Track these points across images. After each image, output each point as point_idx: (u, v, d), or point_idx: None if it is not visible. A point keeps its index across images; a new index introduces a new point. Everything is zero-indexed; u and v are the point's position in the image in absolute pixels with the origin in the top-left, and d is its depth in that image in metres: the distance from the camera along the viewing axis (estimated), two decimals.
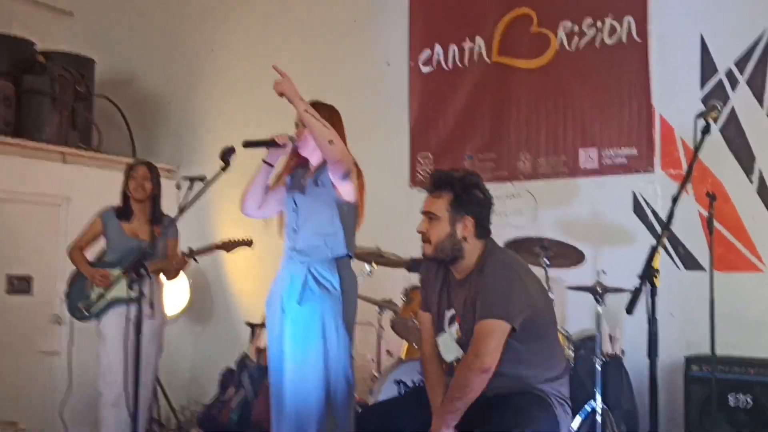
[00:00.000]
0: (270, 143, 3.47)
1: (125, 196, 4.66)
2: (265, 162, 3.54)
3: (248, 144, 3.45)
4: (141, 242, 4.54)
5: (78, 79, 6.24)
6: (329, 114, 3.57)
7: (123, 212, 4.65)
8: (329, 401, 3.34)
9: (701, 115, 2.75)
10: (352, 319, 3.50)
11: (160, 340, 4.52)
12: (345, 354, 3.43)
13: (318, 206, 3.48)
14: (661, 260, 4.57)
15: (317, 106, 3.57)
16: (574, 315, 4.86)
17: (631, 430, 4.52)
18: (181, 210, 3.49)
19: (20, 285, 5.57)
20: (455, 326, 2.89)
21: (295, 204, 3.53)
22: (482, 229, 2.88)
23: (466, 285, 2.85)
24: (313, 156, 3.57)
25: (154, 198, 4.67)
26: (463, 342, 2.85)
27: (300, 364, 3.36)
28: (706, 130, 2.70)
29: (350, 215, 3.52)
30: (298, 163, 3.65)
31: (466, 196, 2.86)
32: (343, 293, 3.43)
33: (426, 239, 2.88)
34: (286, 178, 3.65)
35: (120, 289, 4.30)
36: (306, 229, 3.48)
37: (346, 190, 3.45)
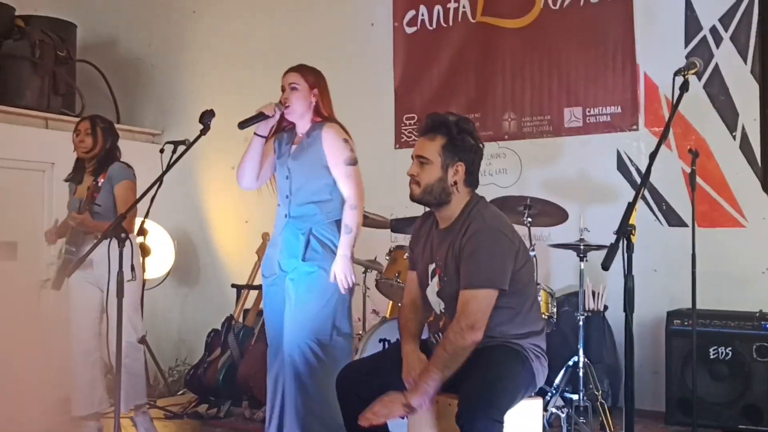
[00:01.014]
0: (260, 117, 3.46)
1: (77, 154, 4.37)
2: (256, 134, 3.51)
3: (243, 124, 3.43)
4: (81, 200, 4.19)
5: (59, 43, 6.16)
6: (315, 78, 3.56)
7: (73, 176, 4.37)
8: (329, 353, 3.41)
9: (679, 71, 2.75)
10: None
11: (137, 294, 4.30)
12: (347, 309, 3.52)
13: (311, 173, 3.48)
14: (644, 216, 4.69)
15: (303, 69, 3.57)
16: (558, 272, 4.91)
17: (614, 383, 4.60)
18: (163, 173, 3.49)
19: (5, 250, 5.56)
20: (436, 279, 2.90)
21: (289, 171, 3.52)
22: (472, 177, 2.87)
23: (448, 236, 2.85)
24: (301, 121, 3.56)
25: (106, 152, 4.29)
26: (444, 295, 2.87)
27: (302, 317, 3.40)
28: (684, 87, 2.70)
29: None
30: (283, 128, 3.63)
31: (460, 141, 2.83)
32: None
33: (415, 182, 2.86)
34: (273, 144, 3.63)
35: (62, 256, 4.20)
36: (299, 196, 3.50)
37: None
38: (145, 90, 6.83)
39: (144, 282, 4.76)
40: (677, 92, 2.71)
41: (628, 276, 2.33)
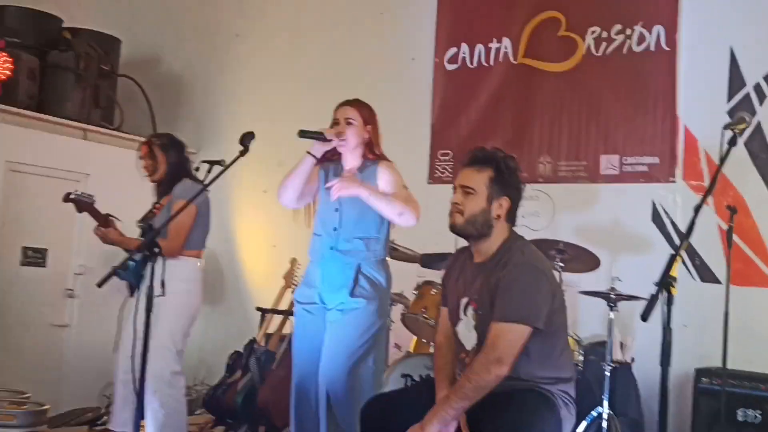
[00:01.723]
0: (321, 136, 3.48)
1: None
2: (309, 153, 3.52)
3: (304, 134, 3.46)
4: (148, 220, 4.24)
5: (103, 57, 6.26)
6: (370, 114, 3.62)
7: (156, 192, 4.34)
8: (360, 386, 3.41)
9: (729, 125, 2.73)
10: (388, 314, 3.64)
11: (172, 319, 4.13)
12: (384, 345, 3.59)
13: (363, 208, 3.48)
14: (677, 271, 4.63)
15: (360, 104, 3.61)
16: (586, 320, 4.84)
17: None
18: (198, 193, 3.51)
19: (35, 257, 5.61)
20: (471, 312, 2.87)
21: (340, 204, 3.52)
22: (513, 214, 2.87)
23: (484, 270, 2.83)
24: (350, 156, 3.59)
25: (172, 168, 4.24)
26: (479, 329, 2.84)
27: (343, 350, 3.41)
28: (732, 142, 2.67)
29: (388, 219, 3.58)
30: (328, 159, 3.64)
31: (507, 175, 2.85)
32: (387, 290, 3.58)
33: (458, 210, 2.83)
34: (318, 173, 3.65)
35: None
36: (349, 231, 3.52)
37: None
38: (184, 108, 6.91)
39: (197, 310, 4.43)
40: (725, 146, 2.66)
41: (667, 329, 2.30)
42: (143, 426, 3.77)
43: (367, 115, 3.60)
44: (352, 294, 3.44)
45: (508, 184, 2.86)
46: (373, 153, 3.59)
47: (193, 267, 4.21)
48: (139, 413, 3.12)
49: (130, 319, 4.00)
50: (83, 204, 4.21)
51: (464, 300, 2.91)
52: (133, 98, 6.73)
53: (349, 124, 3.54)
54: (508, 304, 2.68)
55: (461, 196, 2.84)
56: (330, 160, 3.64)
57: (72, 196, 4.25)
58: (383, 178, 3.51)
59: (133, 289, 4.18)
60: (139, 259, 4.04)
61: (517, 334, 2.65)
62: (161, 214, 4.06)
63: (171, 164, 4.26)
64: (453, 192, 2.92)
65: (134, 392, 3.99)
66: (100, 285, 4.09)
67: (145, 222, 4.07)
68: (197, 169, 4.01)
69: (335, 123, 3.57)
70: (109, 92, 6.37)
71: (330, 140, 3.49)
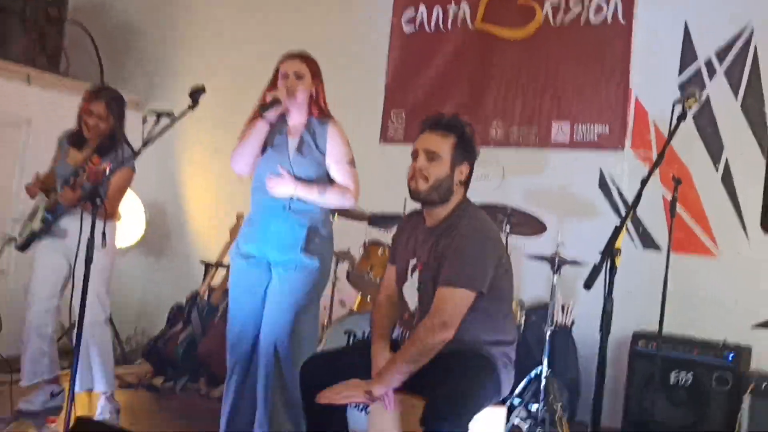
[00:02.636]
0: (277, 103, 3.39)
1: (79, 123, 4.14)
2: (263, 118, 3.40)
3: (264, 109, 3.37)
4: (74, 169, 4.01)
5: (51, 1, 6.07)
6: (317, 68, 3.51)
7: (76, 139, 4.15)
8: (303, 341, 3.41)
9: (679, 101, 2.75)
10: (329, 271, 3.60)
11: (108, 269, 4.07)
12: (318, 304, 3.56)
13: (314, 168, 3.44)
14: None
15: (307, 58, 3.51)
16: (529, 283, 4.92)
17: (573, 397, 4.63)
18: (144, 144, 3.42)
19: None
20: (416, 275, 2.89)
21: (291, 165, 3.43)
22: (469, 180, 2.89)
23: (434, 234, 2.84)
24: (297, 113, 3.49)
25: (112, 131, 4.11)
26: (421, 291, 2.86)
27: (289, 307, 3.39)
28: (682, 117, 2.70)
29: None
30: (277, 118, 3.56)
31: (469, 143, 2.86)
32: (331, 246, 3.57)
33: (423, 176, 2.81)
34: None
35: (37, 221, 4.08)
36: None
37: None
38: (133, 56, 6.73)
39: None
40: (674, 121, 2.69)
41: (608, 299, 2.34)
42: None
43: (315, 68, 3.49)
44: (305, 251, 3.40)
45: (470, 150, 2.87)
46: (319, 109, 3.49)
47: (116, 226, 4.20)
48: (76, 362, 3.05)
49: (46, 272, 4.05)
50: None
51: (412, 261, 2.92)
52: (81, 45, 6.55)
53: (298, 78, 3.43)
54: (454, 269, 2.70)
55: (425, 161, 2.82)
56: (279, 119, 3.51)
57: None
58: (334, 146, 3.44)
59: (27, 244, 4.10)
60: (52, 217, 4.00)
61: (463, 299, 2.68)
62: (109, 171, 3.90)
63: (117, 128, 4.12)
64: (413, 157, 2.88)
65: (52, 342, 4.09)
66: (22, 250, 4.08)
67: (88, 183, 3.93)
68: (145, 119, 3.89)
69: (283, 76, 3.45)
70: (56, 38, 6.18)
71: (283, 102, 3.40)
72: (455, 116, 2.91)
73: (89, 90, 4.19)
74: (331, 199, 3.43)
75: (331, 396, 2.67)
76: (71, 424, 2.84)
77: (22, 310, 4.17)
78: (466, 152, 2.87)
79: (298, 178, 3.41)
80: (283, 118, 3.51)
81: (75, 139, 4.15)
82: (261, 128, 3.42)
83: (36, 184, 4.15)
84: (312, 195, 3.39)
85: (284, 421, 3.37)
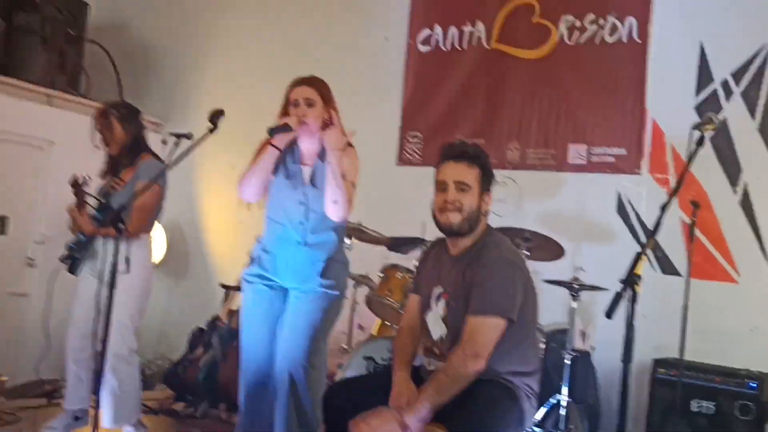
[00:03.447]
0: (288, 128, 3.34)
1: (104, 145, 4.10)
2: (273, 146, 3.37)
3: (274, 131, 3.33)
4: (105, 189, 4.04)
5: (70, 21, 6.13)
6: (328, 92, 3.47)
7: (106, 170, 4.12)
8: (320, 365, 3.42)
9: (697, 126, 2.76)
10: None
11: (133, 298, 4.02)
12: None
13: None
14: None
15: (318, 83, 3.47)
16: (548, 308, 4.83)
17: (593, 425, 4.60)
18: (168, 168, 3.45)
19: None
20: (442, 303, 2.89)
21: (305, 197, 3.41)
22: (489, 209, 2.91)
23: (459, 263, 2.85)
24: (310, 140, 3.47)
25: (129, 143, 4.03)
26: (449, 321, 2.86)
27: (306, 332, 3.37)
28: (700, 142, 2.71)
29: None
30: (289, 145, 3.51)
31: (490, 173, 2.88)
32: (348, 272, 3.57)
33: (457, 208, 2.81)
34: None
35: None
36: (318, 224, 3.42)
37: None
38: (152, 78, 6.80)
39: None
40: (693, 146, 2.69)
41: (630, 327, 2.33)
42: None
43: (326, 93, 3.44)
44: (323, 277, 3.39)
45: (491, 179, 2.90)
46: None
47: (149, 245, 4.15)
48: (96, 390, 3.05)
49: (84, 296, 3.99)
50: (81, 192, 3.99)
51: (437, 290, 2.92)
52: (100, 65, 6.61)
53: (309, 105, 3.39)
54: (484, 297, 2.70)
55: (457, 193, 2.81)
56: (289, 149, 3.48)
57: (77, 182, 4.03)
58: (344, 163, 3.37)
59: (74, 266, 4.06)
60: (86, 238, 3.97)
61: (493, 328, 2.68)
62: (123, 191, 3.91)
63: (130, 136, 4.05)
64: (440, 188, 2.86)
65: (87, 370, 4.00)
66: (72, 272, 4.02)
67: (104, 197, 3.94)
68: (164, 141, 3.91)
69: (294, 104, 3.40)
70: (75, 58, 6.24)
71: (294, 130, 3.36)
72: (477, 146, 2.96)
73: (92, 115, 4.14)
74: (341, 192, 3.30)
75: (364, 429, 2.63)
76: None
77: (41, 333, 4.18)
78: (488, 182, 2.89)
79: (312, 210, 3.40)
80: (296, 146, 3.48)
81: (108, 166, 4.11)
82: (271, 155, 3.38)
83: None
84: (337, 175, 3.28)
85: None
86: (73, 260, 4.01)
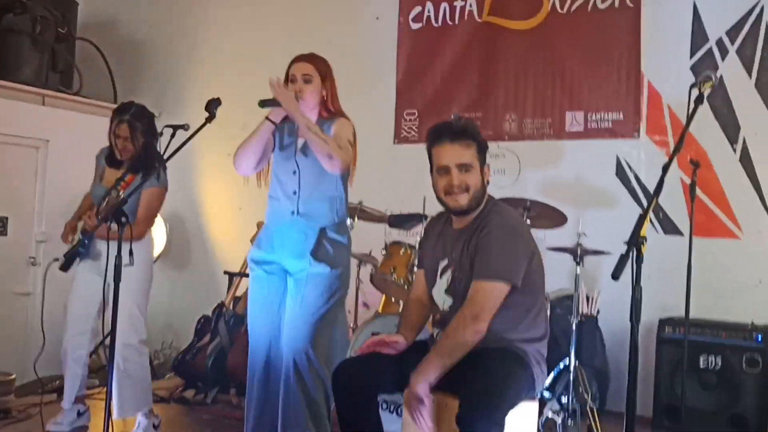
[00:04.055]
0: (277, 102, 3.31)
1: (112, 142, 4.09)
2: (269, 120, 3.36)
3: (264, 103, 3.32)
4: (107, 191, 4.02)
5: (60, 19, 6.10)
6: (326, 69, 3.47)
7: (113, 158, 4.15)
8: (329, 351, 3.40)
9: (695, 84, 2.74)
10: (349, 277, 3.55)
11: (139, 289, 4.04)
12: (344, 303, 3.51)
13: (322, 170, 3.35)
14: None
15: (316, 59, 3.47)
16: (553, 275, 4.83)
17: (602, 387, 4.62)
18: (167, 159, 3.44)
19: None
20: (447, 275, 2.90)
21: (297, 166, 3.41)
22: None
23: (463, 235, 2.85)
24: (310, 114, 3.44)
25: (145, 151, 4.05)
26: (454, 291, 2.87)
27: (308, 318, 3.35)
28: (699, 100, 2.68)
29: (347, 178, 3.49)
30: (283, 119, 3.46)
31: (485, 145, 2.87)
32: (348, 252, 3.49)
33: (465, 189, 2.80)
34: (273, 135, 3.49)
35: (75, 242, 4.09)
36: (310, 194, 3.40)
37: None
38: (144, 71, 6.78)
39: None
40: (691, 105, 2.68)
41: (636, 287, 2.33)
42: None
43: (324, 70, 3.44)
44: (315, 257, 3.36)
45: (485, 150, 2.88)
46: (328, 110, 3.46)
47: (150, 237, 4.19)
48: (109, 383, 3.05)
49: (82, 294, 4.03)
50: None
51: (443, 263, 2.92)
52: (92, 62, 6.60)
53: (306, 81, 3.39)
54: (487, 262, 2.71)
55: (461, 174, 2.80)
56: (286, 121, 3.45)
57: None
58: (334, 131, 3.36)
59: (67, 264, 4.05)
60: (87, 239, 3.99)
61: (496, 291, 2.68)
62: (129, 192, 3.88)
63: (147, 145, 4.06)
64: (442, 172, 2.85)
65: (84, 366, 4.08)
66: (64, 270, 4.04)
67: (112, 196, 3.93)
68: (161, 133, 3.90)
69: (291, 80, 3.41)
70: (67, 56, 6.22)
71: None
72: (468, 121, 2.93)
73: (114, 109, 4.16)
74: (328, 146, 3.24)
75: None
76: None
77: (51, 328, 4.19)
78: (484, 154, 2.88)
79: (304, 178, 3.39)
80: (293, 122, 3.44)
81: (111, 159, 4.13)
82: (265, 128, 3.37)
83: (67, 231, 4.21)
84: (313, 130, 3.24)
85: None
86: (70, 257, 4.03)
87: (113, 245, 3.02)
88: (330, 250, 3.39)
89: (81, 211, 4.25)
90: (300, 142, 3.46)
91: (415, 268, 3.13)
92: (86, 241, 3.99)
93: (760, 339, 4.18)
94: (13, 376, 4.74)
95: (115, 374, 3.78)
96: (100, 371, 5.23)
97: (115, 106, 4.36)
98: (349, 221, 4.51)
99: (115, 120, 4.06)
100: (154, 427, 4.12)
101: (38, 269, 5.64)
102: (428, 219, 3.22)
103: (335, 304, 3.44)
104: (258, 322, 3.51)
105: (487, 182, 2.87)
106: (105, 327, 3.56)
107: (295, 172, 3.42)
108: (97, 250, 4.01)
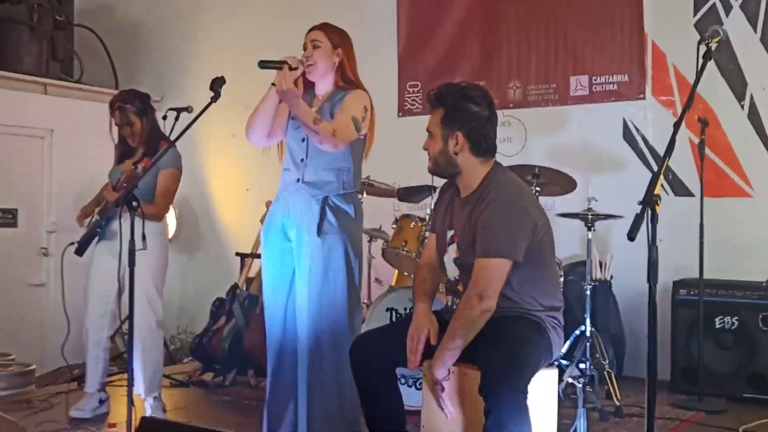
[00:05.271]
0: (283, 64, 3.21)
1: (119, 134, 4.12)
2: (274, 86, 3.26)
3: (264, 64, 3.21)
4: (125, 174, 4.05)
5: (56, 7, 6.08)
6: (339, 38, 3.42)
7: (120, 156, 4.15)
8: (339, 333, 3.33)
9: (703, 40, 2.70)
10: (360, 249, 3.50)
11: (155, 270, 4.03)
12: (358, 284, 3.46)
13: None
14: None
15: (327, 27, 3.42)
16: (564, 242, 4.85)
17: (618, 352, 4.63)
18: (173, 142, 3.42)
19: (5, 217, 5.53)
20: (454, 246, 2.89)
21: (306, 135, 3.36)
22: (478, 145, 2.82)
23: (468, 205, 2.84)
24: (322, 82, 3.41)
25: (149, 133, 4.07)
26: (461, 263, 2.87)
27: (320, 295, 3.31)
28: (707, 56, 2.65)
29: (360, 149, 3.43)
30: (305, 88, 3.38)
31: (459, 111, 2.81)
32: (357, 224, 3.43)
33: (428, 155, 2.90)
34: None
35: (91, 225, 4.09)
36: (316, 163, 3.34)
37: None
38: (144, 55, 6.75)
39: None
40: (700, 61, 2.63)
41: (652, 247, 2.31)
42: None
43: (336, 38, 3.38)
44: (319, 233, 3.30)
45: (460, 118, 2.80)
46: (345, 80, 3.39)
47: (165, 220, 4.18)
48: (130, 363, 3.06)
49: (101, 276, 4.02)
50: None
51: (450, 233, 2.92)
52: (91, 49, 6.57)
53: (315, 47, 3.35)
54: (487, 240, 2.70)
55: (427, 141, 2.90)
56: (304, 92, 3.34)
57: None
58: (344, 104, 3.31)
59: (82, 248, 4.03)
60: (105, 220, 4.00)
61: (498, 268, 2.68)
62: (146, 178, 3.79)
63: (148, 127, 4.08)
64: None
65: (105, 350, 4.10)
66: (79, 254, 4.05)
67: (130, 178, 3.93)
68: (164, 117, 3.88)
69: (304, 48, 3.38)
70: (66, 44, 6.19)
71: (296, 68, 3.22)
72: (445, 86, 2.88)
73: (109, 102, 4.16)
74: (310, 133, 3.22)
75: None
76: (137, 424, 2.85)
77: (64, 320, 4.20)
78: (455, 121, 2.81)
79: (312, 145, 3.33)
80: (312, 92, 3.41)
81: (126, 148, 4.14)
82: (271, 95, 3.30)
83: (83, 214, 4.22)
84: (304, 114, 3.18)
85: (327, 407, 3.33)
86: (86, 240, 4.01)
87: (127, 226, 3.01)
88: (334, 222, 3.33)
89: (100, 197, 4.22)
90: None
91: (427, 233, 3.11)
92: (104, 223, 3.99)
93: None
94: (34, 366, 4.77)
95: (135, 354, 3.80)
96: (118, 358, 5.26)
97: (116, 91, 4.36)
98: (358, 196, 4.50)
99: (111, 111, 4.09)
100: (163, 412, 4.13)
101: (50, 260, 5.66)
102: (437, 190, 3.20)
103: (347, 277, 3.39)
104: (272, 298, 3.49)
105: (455, 152, 2.81)
106: (122, 311, 3.58)
107: (303, 140, 3.37)
108: (112, 231, 3.97)
